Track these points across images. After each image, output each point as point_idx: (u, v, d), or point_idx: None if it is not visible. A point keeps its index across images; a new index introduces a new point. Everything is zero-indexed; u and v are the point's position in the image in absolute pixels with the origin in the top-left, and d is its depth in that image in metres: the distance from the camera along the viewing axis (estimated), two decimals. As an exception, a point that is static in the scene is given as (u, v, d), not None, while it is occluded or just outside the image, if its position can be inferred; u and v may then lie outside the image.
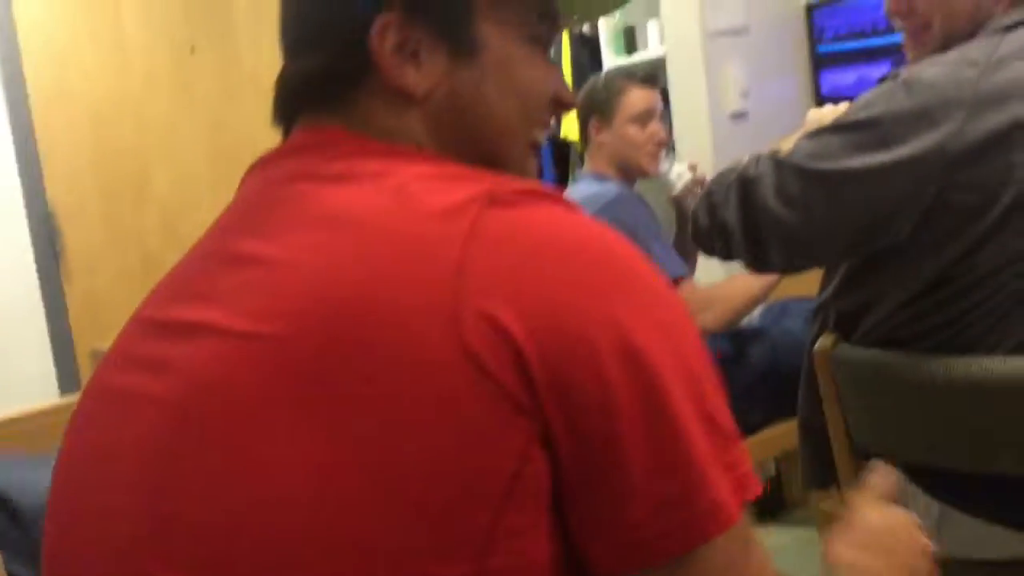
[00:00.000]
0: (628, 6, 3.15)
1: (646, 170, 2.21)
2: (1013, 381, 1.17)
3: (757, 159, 1.31)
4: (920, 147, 1.17)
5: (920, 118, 1.18)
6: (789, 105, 2.94)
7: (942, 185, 1.18)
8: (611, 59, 3.12)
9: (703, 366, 0.62)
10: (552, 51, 3.10)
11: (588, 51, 3.25)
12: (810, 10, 2.91)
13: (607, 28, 3.12)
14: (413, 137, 0.70)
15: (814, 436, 1.46)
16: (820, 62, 2.91)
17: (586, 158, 2.29)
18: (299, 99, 0.72)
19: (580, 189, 2.16)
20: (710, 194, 1.36)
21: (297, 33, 0.73)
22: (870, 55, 2.76)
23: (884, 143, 1.20)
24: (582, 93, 2.27)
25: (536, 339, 0.57)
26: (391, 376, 0.57)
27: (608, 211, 2.01)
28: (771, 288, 2.07)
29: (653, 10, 2.84)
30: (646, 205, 2.12)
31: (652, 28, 2.97)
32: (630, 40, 3.07)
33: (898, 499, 0.86)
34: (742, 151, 2.84)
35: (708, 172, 2.69)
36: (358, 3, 0.68)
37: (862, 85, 2.77)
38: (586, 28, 3.23)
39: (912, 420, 1.30)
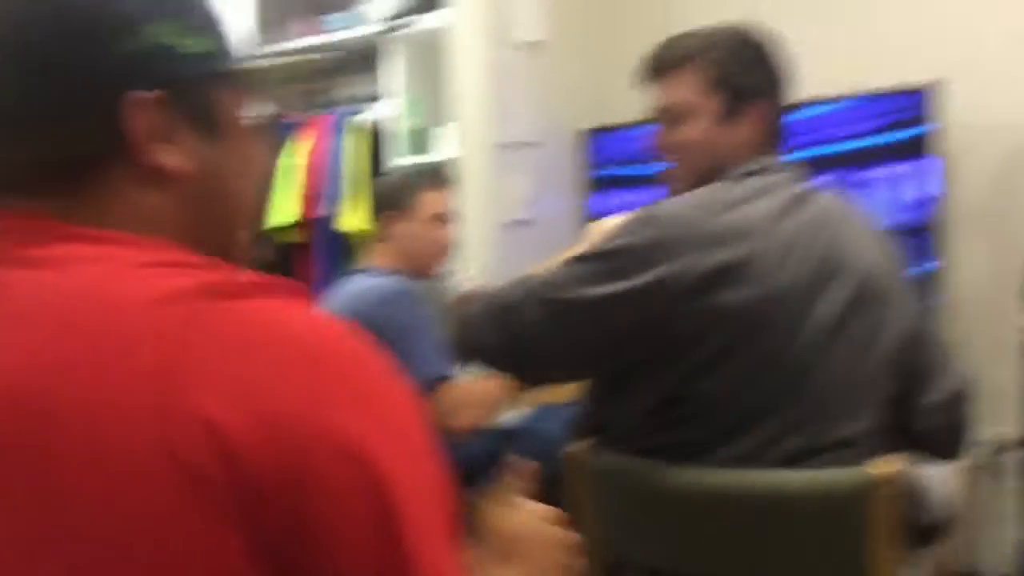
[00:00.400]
0: (421, 110, 3.22)
1: (434, 270, 2.25)
2: (739, 491, 1.26)
3: (514, 285, 1.40)
4: (648, 279, 1.28)
5: (652, 252, 1.30)
6: (567, 218, 3.10)
7: (667, 315, 1.29)
8: (400, 160, 3.17)
9: (436, 473, 0.61)
10: (340, 142, 3.09)
11: (377, 150, 3.29)
12: (588, 134, 3.10)
13: (399, 128, 3.17)
14: (163, 220, 0.65)
15: None
16: (593, 184, 3.10)
17: (371, 251, 2.28)
18: (11, 184, 0.64)
19: (360, 281, 2.15)
20: (470, 315, 1.44)
21: (18, 113, 0.63)
22: (640, 181, 2.98)
23: (621, 273, 1.30)
24: (377, 185, 2.28)
25: (254, 443, 0.52)
26: (83, 486, 0.51)
27: (384, 306, 2.01)
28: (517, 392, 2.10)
29: (445, 116, 2.93)
30: (424, 304, 2.14)
31: (442, 132, 3.06)
32: (421, 142, 3.14)
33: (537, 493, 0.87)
34: (523, 256, 2.97)
35: (489, 276, 2.77)
36: (103, 81, 0.62)
37: (628, 209, 2.96)
38: (379, 126, 3.27)
39: (655, 526, 1.36)
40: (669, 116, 1.46)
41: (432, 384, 1.97)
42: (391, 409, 0.60)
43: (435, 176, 2.32)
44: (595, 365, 1.41)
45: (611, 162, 3.06)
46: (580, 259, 1.38)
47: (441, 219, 2.24)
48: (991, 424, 2.56)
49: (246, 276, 0.62)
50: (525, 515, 0.84)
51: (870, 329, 1.33)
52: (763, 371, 1.28)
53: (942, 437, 1.42)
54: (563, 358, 1.38)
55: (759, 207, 1.33)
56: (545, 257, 2.88)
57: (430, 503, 0.59)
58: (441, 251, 2.25)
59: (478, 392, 2.08)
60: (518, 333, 1.35)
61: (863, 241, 1.38)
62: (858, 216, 1.44)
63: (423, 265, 2.23)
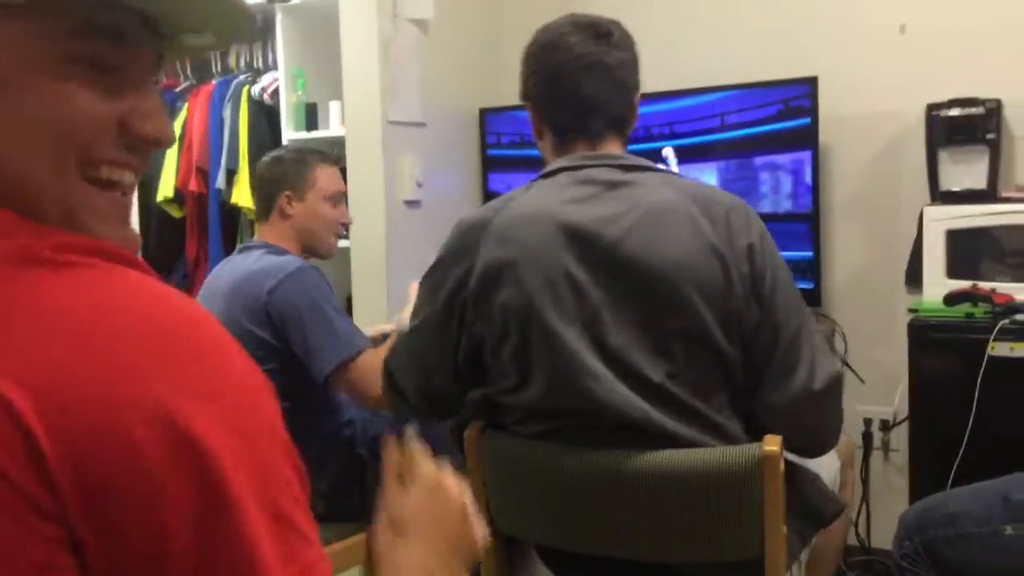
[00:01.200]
0: (311, 84, 3.15)
1: (329, 250, 2.20)
2: (629, 472, 1.29)
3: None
4: (453, 282, 1.40)
5: (455, 255, 1.42)
6: (460, 198, 3.10)
7: (468, 319, 1.39)
8: (290, 133, 3.10)
9: (279, 458, 0.57)
10: (228, 114, 2.99)
11: (267, 121, 3.21)
12: (483, 114, 3.10)
13: (288, 102, 3.10)
14: None
15: None
16: (489, 163, 3.11)
17: (261, 229, 2.21)
18: None
19: (258, 258, 2.08)
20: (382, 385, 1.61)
21: None
22: (533, 163, 3.00)
23: (440, 284, 1.43)
24: (269, 163, 2.20)
25: (56, 426, 0.48)
26: None
27: (295, 280, 1.97)
28: None
29: (335, 92, 2.88)
30: (321, 278, 2.10)
31: (334, 108, 3.00)
32: (311, 117, 3.08)
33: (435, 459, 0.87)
34: (414, 235, 2.95)
35: (381, 256, 2.75)
36: None
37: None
38: (266, 98, 3.19)
39: (542, 505, 1.38)
40: None
41: (347, 361, 1.94)
42: (243, 394, 0.56)
43: (327, 155, 2.27)
44: (437, 381, 1.49)
45: (506, 142, 3.07)
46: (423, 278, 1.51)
47: (338, 197, 2.20)
48: (881, 403, 2.71)
49: (69, 239, 0.56)
50: (423, 487, 0.83)
51: (654, 324, 1.31)
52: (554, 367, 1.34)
53: (792, 438, 1.39)
54: (421, 388, 1.51)
55: (542, 199, 1.40)
56: (440, 236, 2.90)
57: (274, 493, 0.55)
58: (336, 231, 2.21)
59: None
60: (394, 376, 1.55)
61: (675, 239, 1.33)
62: (681, 203, 1.36)
63: (319, 245, 2.18)
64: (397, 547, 0.78)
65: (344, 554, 1.99)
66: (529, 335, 1.33)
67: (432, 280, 1.45)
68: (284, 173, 2.17)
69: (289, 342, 1.96)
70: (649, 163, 1.45)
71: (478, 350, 1.41)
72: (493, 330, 1.37)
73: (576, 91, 1.43)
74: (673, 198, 1.36)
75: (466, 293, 1.38)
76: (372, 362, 1.95)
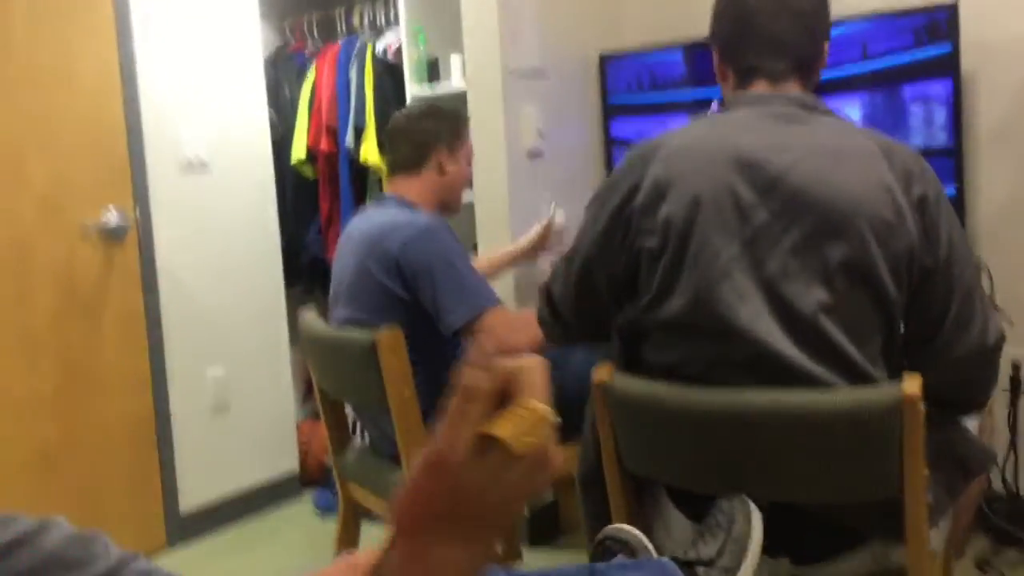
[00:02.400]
0: (432, 39, 3.19)
1: (459, 208, 2.26)
2: (768, 411, 1.27)
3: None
4: (621, 196, 1.43)
5: (625, 172, 1.45)
6: (582, 148, 3.08)
7: (633, 233, 1.41)
8: (414, 88, 3.15)
9: None
10: (355, 73, 3.07)
11: (391, 78, 3.27)
12: (603, 61, 3.06)
13: (410, 58, 3.15)
14: None
15: (595, 488, 1.54)
16: (610, 111, 3.07)
17: (397, 181, 2.20)
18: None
19: (394, 212, 2.12)
20: (538, 310, 1.64)
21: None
22: (658, 108, 2.95)
23: (608, 199, 1.46)
24: (421, 116, 2.21)
25: None
26: None
27: (430, 235, 2.02)
28: None
29: (456, 45, 2.90)
30: (454, 234, 2.12)
31: (455, 61, 3.03)
32: (433, 71, 3.12)
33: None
34: (536, 188, 2.96)
35: (504, 208, 2.77)
36: None
37: (648, 135, 2.94)
38: (390, 55, 3.24)
39: (673, 446, 1.38)
40: None
41: (482, 316, 1.98)
42: None
43: (463, 115, 2.32)
44: (596, 302, 1.52)
45: (628, 88, 3.02)
46: (590, 203, 1.52)
47: (471, 160, 2.26)
48: (1018, 345, 2.58)
49: None
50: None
51: (821, 265, 1.30)
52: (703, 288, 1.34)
53: (957, 393, 1.40)
54: (580, 308, 1.54)
55: (718, 123, 1.45)
56: (564, 187, 2.91)
57: None
58: (467, 187, 2.27)
59: (529, 316, 2.11)
60: (555, 301, 1.57)
61: (844, 179, 1.32)
62: (860, 144, 1.37)
63: (456, 202, 2.24)
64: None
65: None
66: (686, 247, 1.34)
67: (600, 198, 1.48)
68: (441, 130, 2.19)
69: (419, 296, 2.00)
70: (831, 110, 1.46)
71: (636, 268, 1.42)
72: (653, 244, 1.38)
73: (764, 30, 1.45)
74: (852, 137, 1.39)
75: (633, 206, 1.41)
76: (501, 318, 1.98)
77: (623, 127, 3.05)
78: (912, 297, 1.33)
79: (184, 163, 3.03)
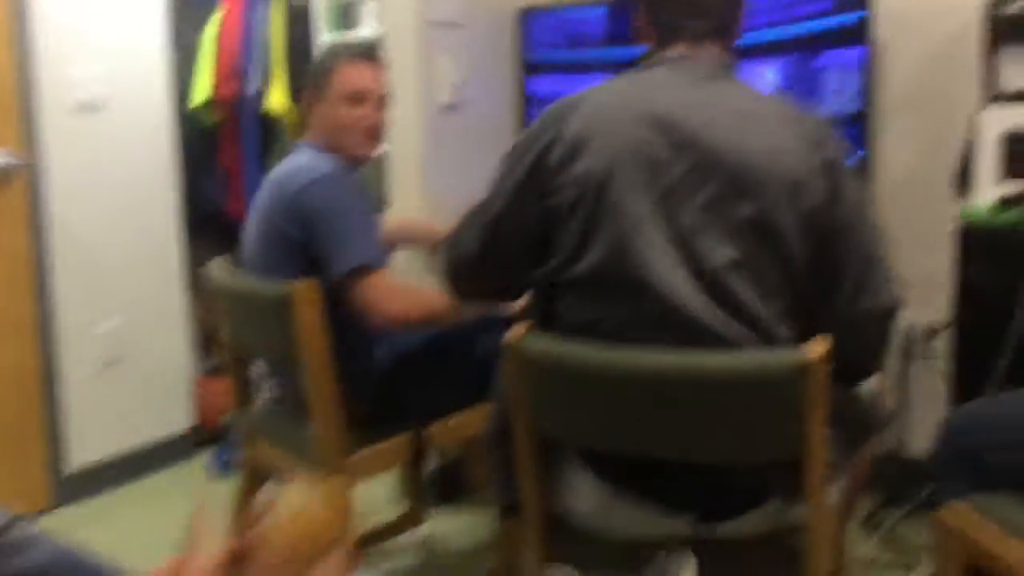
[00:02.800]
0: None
1: (354, 152, 2.10)
2: (677, 373, 1.28)
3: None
4: (536, 153, 1.41)
5: (541, 128, 1.43)
6: (499, 103, 3.04)
7: (546, 190, 1.39)
8: (325, 34, 3.05)
9: None
10: (261, 15, 2.96)
11: (302, 23, 3.15)
12: (523, 15, 3.01)
13: (322, 1, 3.04)
14: None
15: (504, 447, 1.52)
16: (529, 68, 3.03)
17: (300, 132, 2.21)
18: None
19: (298, 159, 2.06)
20: (444, 251, 1.59)
21: None
22: (577, 66, 2.92)
23: (523, 154, 1.43)
24: (308, 65, 2.20)
25: None
26: None
27: (329, 181, 1.95)
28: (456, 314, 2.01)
29: (371, -9, 2.82)
30: (359, 187, 2.05)
31: (369, 7, 2.94)
32: (346, 16, 3.02)
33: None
34: (452, 142, 2.91)
35: (417, 161, 2.72)
36: None
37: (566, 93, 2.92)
38: (301, 1, 3.13)
39: (583, 406, 1.38)
40: None
41: (363, 270, 1.91)
42: None
43: (355, 53, 2.14)
44: (511, 259, 1.48)
45: (548, 44, 2.98)
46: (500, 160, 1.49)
47: (356, 98, 2.07)
48: (923, 310, 2.66)
49: None
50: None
51: (728, 218, 1.31)
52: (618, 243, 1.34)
53: (854, 356, 1.41)
54: (488, 263, 1.50)
55: (636, 80, 1.44)
56: (478, 143, 2.86)
57: None
58: (360, 132, 2.09)
59: (414, 289, 2.03)
60: (462, 258, 1.53)
61: (760, 138, 1.34)
62: (770, 107, 1.40)
63: (343, 148, 2.09)
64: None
65: (389, 453, 2.04)
66: (600, 203, 1.34)
67: (514, 153, 1.45)
68: (309, 73, 2.14)
69: (311, 242, 1.93)
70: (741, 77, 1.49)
71: (550, 224, 1.41)
72: (567, 200, 1.37)
73: None
74: (764, 101, 1.42)
75: (549, 161, 1.39)
76: (382, 281, 1.92)
77: (541, 84, 3.01)
78: (815, 258, 1.35)
79: (77, 104, 2.87)
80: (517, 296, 1.61)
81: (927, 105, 2.64)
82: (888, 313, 1.42)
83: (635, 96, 1.40)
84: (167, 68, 3.16)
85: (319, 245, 1.93)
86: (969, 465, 1.58)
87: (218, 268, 2.10)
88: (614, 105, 1.39)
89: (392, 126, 2.72)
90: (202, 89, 3.24)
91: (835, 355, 1.29)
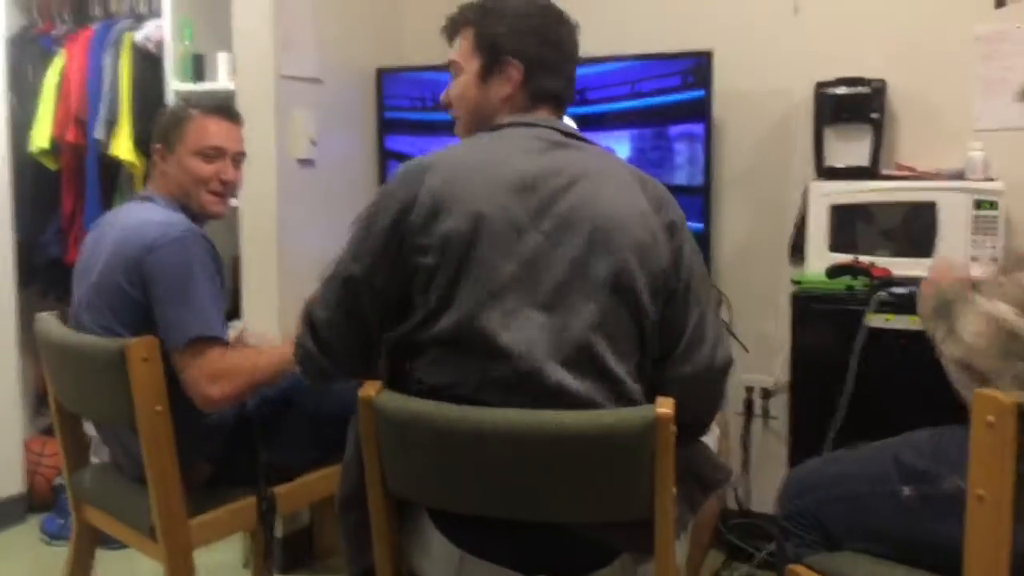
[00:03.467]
0: (198, 34, 3.03)
1: (202, 208, 2.05)
2: (530, 431, 1.28)
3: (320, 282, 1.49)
4: (394, 214, 1.39)
5: (397, 189, 1.41)
6: (356, 159, 3.03)
7: (407, 250, 1.37)
8: (176, 84, 2.97)
9: None
10: (109, 61, 2.86)
11: (151, 71, 3.06)
12: (380, 74, 3.04)
13: (174, 51, 2.96)
14: None
15: (356, 511, 1.49)
16: (386, 125, 3.05)
17: (150, 180, 2.10)
18: None
19: (145, 212, 1.96)
20: (297, 336, 1.52)
21: None
22: (431, 127, 2.96)
23: (377, 217, 1.41)
24: (160, 114, 2.11)
25: None
26: None
27: (160, 250, 1.84)
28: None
29: (225, 43, 2.77)
30: (207, 250, 1.93)
31: (223, 60, 2.89)
32: (199, 68, 2.95)
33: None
34: (307, 196, 2.88)
35: (272, 216, 2.66)
36: None
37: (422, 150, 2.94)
38: (150, 47, 3.04)
39: (437, 466, 1.37)
40: (450, 72, 1.59)
41: (197, 342, 1.82)
42: None
43: (212, 108, 2.10)
44: (366, 328, 1.45)
45: (405, 104, 3.01)
46: (352, 225, 1.46)
47: (211, 153, 2.03)
48: (763, 371, 2.79)
49: None
50: None
51: (593, 279, 1.35)
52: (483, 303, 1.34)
53: (687, 411, 1.38)
54: (349, 335, 1.46)
55: (495, 147, 1.44)
56: (334, 199, 2.84)
57: None
58: (211, 188, 2.04)
59: (245, 363, 1.91)
60: (318, 327, 1.47)
61: (616, 200, 1.40)
62: (618, 177, 1.45)
63: (190, 202, 2.04)
64: None
65: (232, 517, 1.95)
66: (463, 264, 1.33)
67: (369, 217, 1.42)
68: (159, 125, 2.07)
69: (152, 305, 1.84)
70: (589, 139, 1.54)
71: (408, 286, 1.39)
72: (430, 261, 1.35)
73: (570, 62, 1.55)
74: (613, 164, 1.47)
75: (408, 223, 1.37)
76: (219, 363, 1.83)
77: (398, 141, 3.03)
78: (661, 316, 1.42)
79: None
80: (369, 363, 1.52)
81: (763, 179, 2.81)
82: (719, 369, 1.48)
83: (495, 159, 1.41)
84: (4, 111, 3.00)
85: (158, 310, 1.84)
86: (809, 522, 1.65)
87: (46, 321, 1.98)
88: (474, 167, 1.40)
89: (246, 180, 2.68)
90: (42, 134, 3.09)
91: (679, 412, 1.33)
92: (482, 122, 1.53)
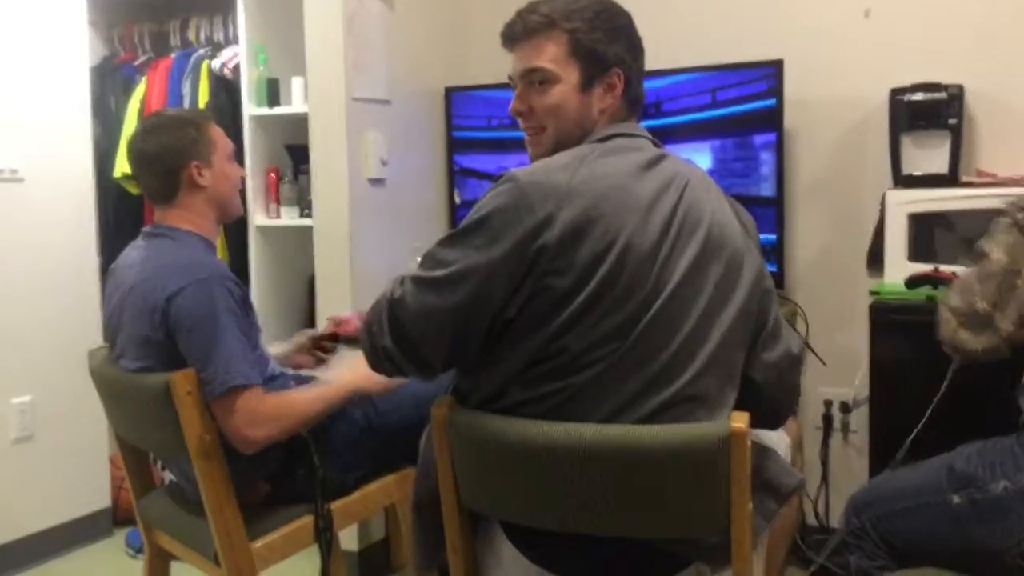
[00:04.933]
0: (273, 60, 3.11)
1: (239, 210, 2.06)
2: (600, 447, 1.28)
3: (401, 280, 1.38)
4: (526, 230, 1.30)
5: (519, 210, 1.31)
6: (425, 177, 3.07)
7: (539, 271, 1.30)
8: (252, 108, 3.05)
9: None
10: (188, 89, 2.94)
11: (228, 96, 3.15)
12: (448, 93, 3.08)
13: (249, 77, 3.05)
14: None
15: (429, 512, 1.49)
16: (454, 144, 3.08)
17: (166, 211, 1.97)
18: None
19: (166, 255, 1.90)
20: (368, 324, 1.41)
21: None
22: (499, 144, 2.98)
23: (493, 239, 1.31)
24: (153, 137, 1.96)
25: None
26: None
27: (181, 298, 1.79)
28: (342, 400, 1.97)
29: (298, 67, 2.84)
30: (232, 282, 1.86)
31: (297, 84, 2.96)
32: (273, 92, 3.03)
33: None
34: (378, 216, 2.92)
35: (344, 235, 2.71)
36: None
37: (494, 170, 2.97)
38: (227, 72, 3.13)
39: (510, 481, 1.37)
40: (529, 80, 1.48)
41: (232, 392, 1.78)
42: None
43: (204, 115, 2.10)
44: (470, 339, 1.37)
45: (473, 123, 3.04)
46: (450, 237, 1.37)
47: (231, 155, 2.03)
48: (842, 385, 2.74)
49: None
50: None
51: (722, 288, 1.38)
52: (624, 327, 1.30)
53: (774, 393, 1.49)
54: (440, 338, 1.36)
55: (617, 165, 1.37)
56: (403, 217, 2.88)
57: None
58: (239, 188, 2.04)
59: (287, 407, 1.88)
60: (407, 322, 1.35)
61: (715, 204, 1.43)
62: (708, 181, 1.48)
63: (231, 208, 2.02)
64: None
65: (292, 537, 1.97)
66: (609, 290, 1.30)
67: (485, 232, 1.32)
68: (184, 143, 1.95)
69: (183, 351, 1.81)
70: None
71: (529, 304, 1.32)
72: (564, 284, 1.29)
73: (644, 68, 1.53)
74: (700, 171, 1.49)
75: (543, 241, 1.29)
76: (257, 405, 1.80)
77: (467, 159, 3.06)
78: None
79: (-7, 173, 2.81)
80: (441, 372, 1.46)
81: (838, 188, 2.76)
82: (797, 356, 1.53)
83: (626, 179, 1.36)
84: (89, 138, 3.12)
85: (188, 360, 1.80)
86: (871, 538, 1.65)
87: (97, 358, 2.00)
88: (610, 187, 1.33)
89: (319, 199, 2.74)
90: (125, 160, 3.20)
91: (756, 401, 1.39)
92: (578, 134, 1.45)
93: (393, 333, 1.36)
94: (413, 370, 1.41)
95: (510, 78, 1.52)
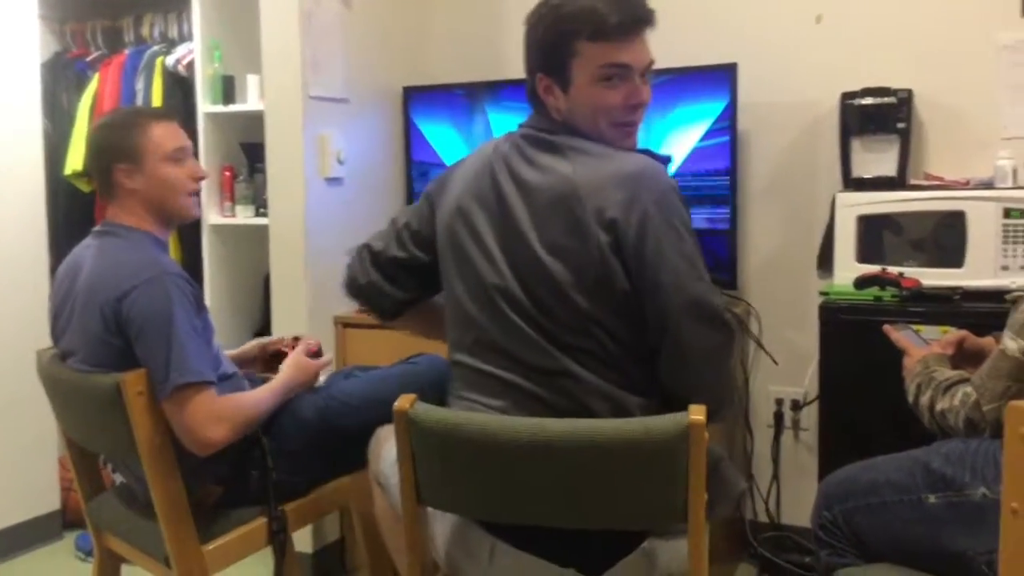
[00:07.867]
0: (228, 57, 3.07)
1: (186, 212, 1.99)
2: (559, 439, 1.29)
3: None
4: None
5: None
6: (383, 176, 3.06)
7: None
8: (206, 106, 3.02)
9: None
10: (142, 85, 2.88)
11: (182, 93, 3.12)
12: (407, 92, 3.07)
13: (204, 74, 3.02)
14: None
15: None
16: (413, 143, 3.07)
17: (110, 208, 1.95)
18: None
19: (113, 253, 1.86)
20: (349, 266, 1.73)
21: None
22: (456, 143, 2.99)
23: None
24: (96, 132, 1.96)
25: None
26: None
27: (134, 297, 1.76)
28: (282, 397, 1.97)
29: (254, 65, 2.81)
30: (184, 280, 1.84)
31: (252, 82, 2.93)
32: (228, 90, 3.00)
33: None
34: (335, 214, 2.90)
35: (299, 231, 2.69)
36: None
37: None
38: (181, 69, 3.10)
39: (471, 476, 1.38)
40: (642, 73, 1.54)
41: (185, 388, 1.75)
42: None
43: (153, 115, 2.01)
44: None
45: (431, 123, 3.04)
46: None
47: (178, 155, 1.94)
48: (792, 383, 2.78)
49: None
50: None
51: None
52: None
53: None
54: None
55: None
56: (360, 216, 2.87)
57: None
58: (192, 189, 1.97)
59: (238, 407, 1.86)
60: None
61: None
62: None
63: (172, 211, 1.95)
64: None
65: (245, 539, 1.94)
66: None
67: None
68: (108, 143, 1.92)
69: (135, 350, 1.78)
70: None
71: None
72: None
73: None
74: None
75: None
76: (211, 405, 1.78)
77: (425, 159, 3.06)
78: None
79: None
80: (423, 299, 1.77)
81: (789, 190, 2.80)
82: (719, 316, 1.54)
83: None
84: (39, 134, 3.06)
85: (140, 358, 1.77)
86: (843, 532, 1.63)
87: (45, 359, 1.96)
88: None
89: (275, 197, 2.72)
90: (76, 157, 3.15)
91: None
92: None
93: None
94: (393, 293, 1.75)
95: (614, 67, 1.51)
